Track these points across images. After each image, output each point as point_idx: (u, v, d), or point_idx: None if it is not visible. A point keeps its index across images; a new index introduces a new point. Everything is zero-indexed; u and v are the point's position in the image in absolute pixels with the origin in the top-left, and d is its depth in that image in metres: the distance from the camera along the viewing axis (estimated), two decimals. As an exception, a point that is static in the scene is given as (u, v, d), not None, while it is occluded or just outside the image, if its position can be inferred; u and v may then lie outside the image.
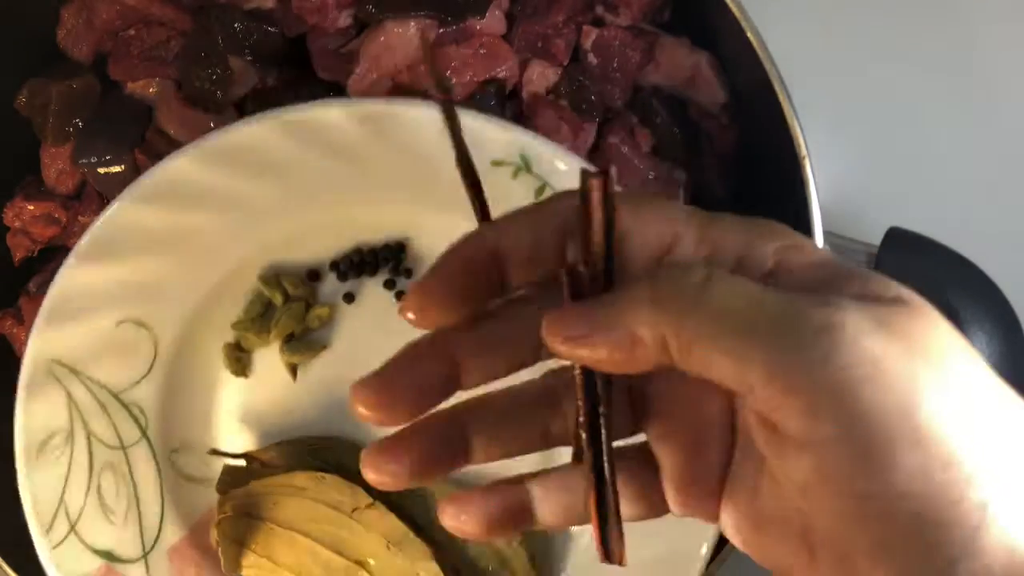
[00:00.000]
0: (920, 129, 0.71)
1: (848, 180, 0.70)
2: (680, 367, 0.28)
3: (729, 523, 0.32)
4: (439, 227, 0.48)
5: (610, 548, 0.30)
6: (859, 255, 0.51)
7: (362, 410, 0.30)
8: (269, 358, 0.52)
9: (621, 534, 0.30)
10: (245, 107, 0.57)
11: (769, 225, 0.32)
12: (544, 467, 0.33)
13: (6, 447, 0.59)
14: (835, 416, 0.26)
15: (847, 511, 0.27)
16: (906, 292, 0.28)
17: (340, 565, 0.49)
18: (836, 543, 0.28)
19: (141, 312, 0.49)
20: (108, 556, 0.50)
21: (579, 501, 0.32)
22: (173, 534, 0.52)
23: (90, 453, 0.49)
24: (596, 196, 0.28)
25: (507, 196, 0.44)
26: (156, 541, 0.51)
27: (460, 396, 0.32)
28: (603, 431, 0.30)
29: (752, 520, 0.31)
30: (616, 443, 0.31)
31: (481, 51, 0.55)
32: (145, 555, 0.51)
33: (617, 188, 0.32)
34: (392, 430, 0.32)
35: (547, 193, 0.44)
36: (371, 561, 0.49)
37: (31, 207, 0.59)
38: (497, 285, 0.31)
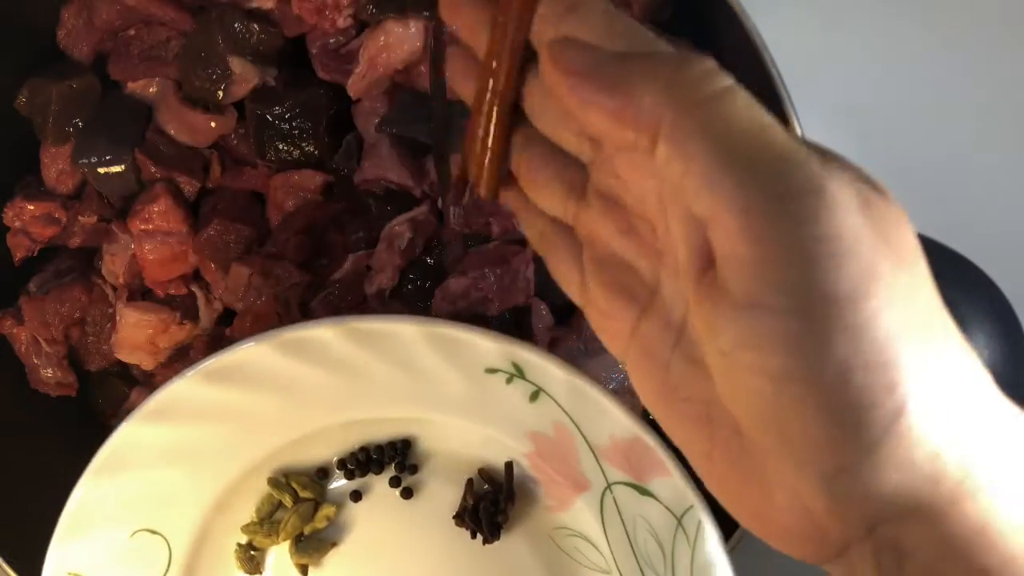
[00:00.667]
0: (920, 129, 0.71)
1: (848, 180, 0.70)
2: (658, 158, 0.28)
3: (635, 377, 0.32)
4: (443, 426, 0.50)
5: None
6: (859, 255, 0.51)
7: None
8: (281, 555, 0.54)
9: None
10: (245, 107, 0.57)
11: None
12: None
13: (7, 450, 0.59)
14: (791, 288, 0.25)
15: (764, 390, 0.26)
16: (889, 193, 0.28)
17: None
18: (744, 425, 0.27)
19: (154, 521, 0.51)
20: None
21: None
22: None
23: None
24: None
25: (501, 401, 0.46)
26: None
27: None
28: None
29: (659, 391, 0.31)
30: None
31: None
32: None
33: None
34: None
35: (541, 398, 0.46)
36: None
37: (31, 207, 0.59)
38: None
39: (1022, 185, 0.70)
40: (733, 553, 0.48)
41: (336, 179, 0.58)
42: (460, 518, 0.52)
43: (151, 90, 0.59)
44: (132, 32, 0.58)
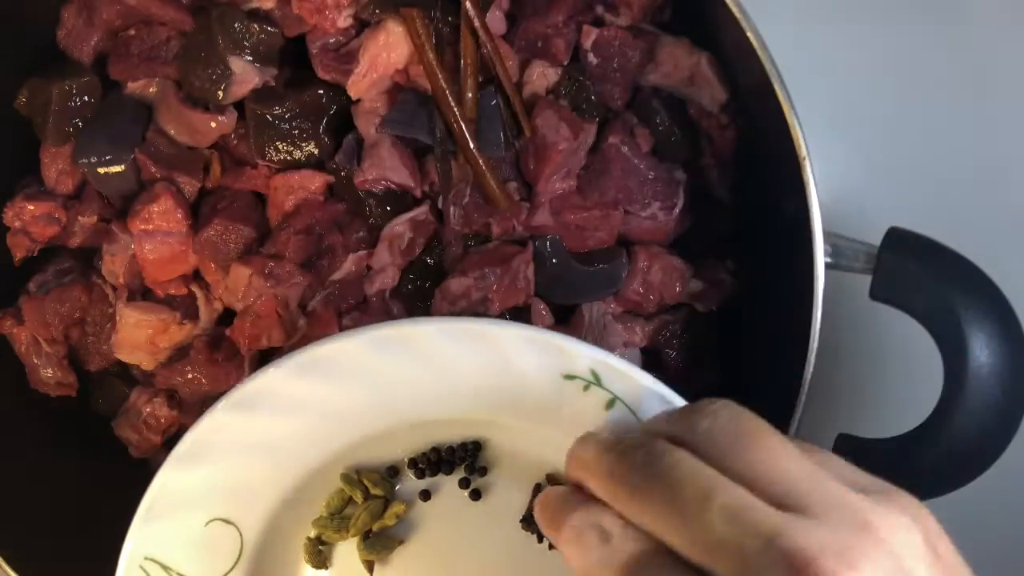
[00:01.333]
0: (920, 129, 0.71)
1: (848, 180, 0.70)
2: None
3: None
4: (515, 429, 0.51)
5: None
6: (859, 255, 0.51)
7: None
8: (349, 551, 0.54)
9: None
10: (245, 107, 0.57)
11: None
12: None
13: (7, 450, 0.59)
14: None
15: None
16: None
17: None
18: None
19: (229, 511, 0.51)
20: None
21: None
22: None
23: None
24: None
25: (578, 407, 0.46)
26: None
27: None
28: None
29: None
30: None
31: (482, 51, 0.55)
32: None
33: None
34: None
35: (617, 406, 0.46)
36: None
37: (31, 207, 0.59)
38: None
39: (1022, 185, 0.71)
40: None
41: (336, 179, 0.58)
42: (527, 522, 0.53)
43: (151, 90, 0.59)
44: (132, 32, 0.58)
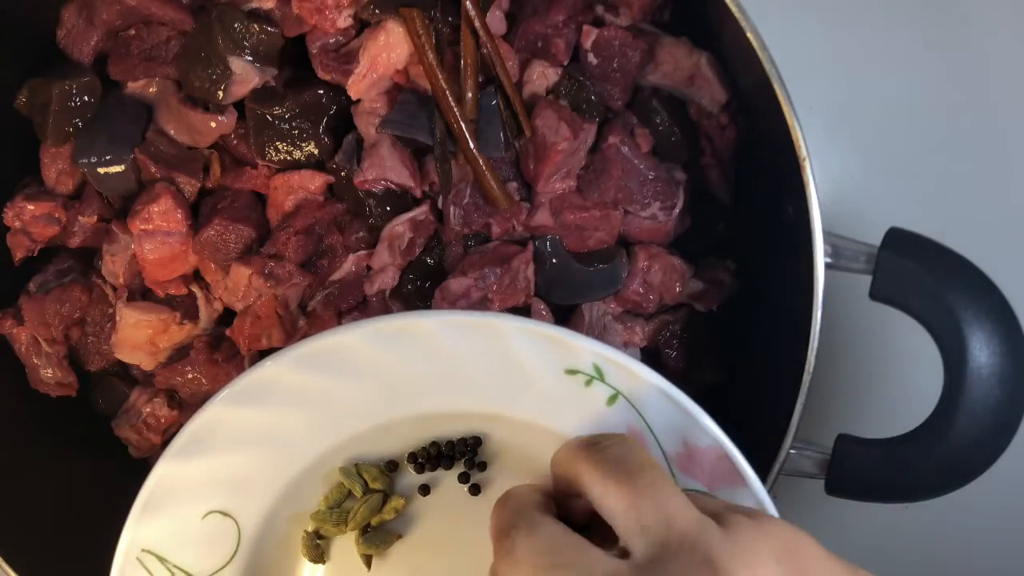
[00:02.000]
0: (920, 129, 0.71)
1: (848, 180, 0.70)
2: None
3: None
4: (515, 424, 0.51)
5: None
6: (859, 255, 0.51)
7: None
8: (347, 545, 0.54)
9: None
10: (245, 107, 0.57)
11: None
12: None
13: (7, 450, 0.59)
14: None
15: None
16: None
17: None
18: None
19: (227, 503, 0.51)
20: None
21: None
22: None
23: None
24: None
25: (580, 403, 0.47)
26: None
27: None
28: None
29: None
30: None
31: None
32: None
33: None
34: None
35: (619, 401, 0.47)
36: None
37: (31, 207, 0.59)
38: None
39: (1022, 185, 0.71)
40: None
41: (336, 179, 0.58)
42: None
43: (151, 90, 0.59)
44: (132, 32, 0.58)
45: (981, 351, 0.49)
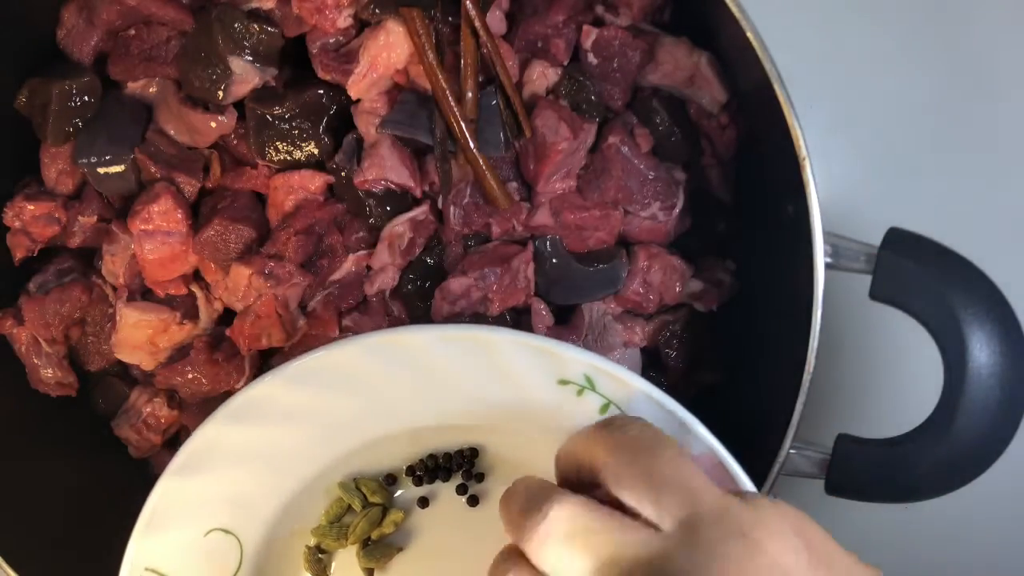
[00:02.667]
0: (920, 129, 0.71)
1: (848, 180, 0.70)
2: None
3: None
4: (511, 435, 0.51)
5: None
6: (859, 255, 0.51)
7: None
8: (348, 559, 0.55)
9: None
10: (245, 107, 0.57)
11: None
12: None
13: (7, 450, 0.59)
14: None
15: None
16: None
17: None
18: None
19: (228, 520, 0.52)
20: None
21: None
22: None
23: None
24: None
25: (572, 413, 0.47)
26: None
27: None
28: None
29: None
30: None
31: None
32: None
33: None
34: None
35: (611, 411, 0.47)
36: None
37: (31, 207, 0.59)
38: None
39: (1022, 185, 0.70)
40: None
41: (336, 179, 0.58)
42: None
43: (151, 90, 0.59)
44: (132, 32, 0.58)
45: (981, 351, 0.49)
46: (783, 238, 0.52)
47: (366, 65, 0.55)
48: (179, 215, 0.57)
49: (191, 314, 0.60)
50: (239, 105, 0.57)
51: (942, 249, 0.51)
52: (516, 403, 0.48)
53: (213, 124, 0.57)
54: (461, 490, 0.53)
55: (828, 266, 0.50)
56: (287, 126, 0.57)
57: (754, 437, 0.48)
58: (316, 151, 0.57)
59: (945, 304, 0.49)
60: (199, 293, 0.60)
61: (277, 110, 0.56)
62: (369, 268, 0.59)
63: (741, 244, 0.61)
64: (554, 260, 0.58)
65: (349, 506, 0.53)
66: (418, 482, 0.53)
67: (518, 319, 0.58)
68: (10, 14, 0.57)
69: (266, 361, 0.61)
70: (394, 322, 0.60)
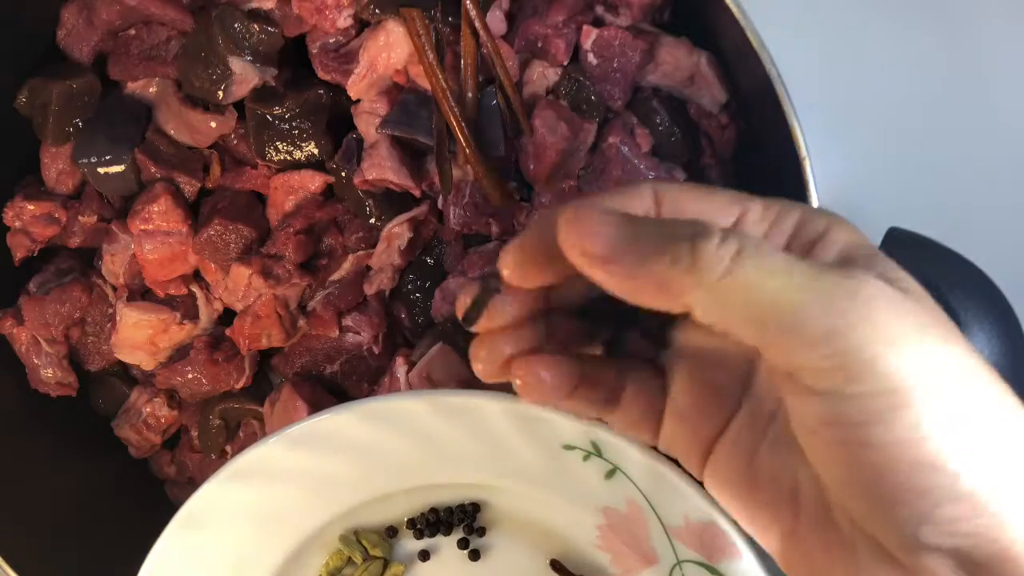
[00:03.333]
0: (920, 129, 0.71)
1: (848, 180, 0.70)
2: (700, 321, 0.31)
3: (716, 480, 0.36)
4: (514, 492, 0.51)
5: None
6: (859, 255, 0.51)
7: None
8: None
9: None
10: (245, 107, 0.57)
11: (820, 208, 0.36)
12: None
13: (7, 450, 0.59)
14: (863, 377, 0.29)
15: (848, 458, 0.30)
16: (915, 285, 0.33)
17: None
18: (829, 492, 0.32)
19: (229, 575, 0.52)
20: None
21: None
22: None
23: None
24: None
25: (575, 475, 0.47)
26: None
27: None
28: None
29: (745, 478, 0.35)
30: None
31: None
32: None
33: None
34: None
35: (617, 476, 0.47)
36: None
37: (31, 207, 0.59)
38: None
39: (1022, 185, 0.70)
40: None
41: (336, 179, 0.58)
42: None
43: (151, 90, 0.59)
44: (132, 32, 0.58)
45: (981, 351, 0.49)
46: (783, 238, 0.52)
47: (366, 65, 0.55)
48: (179, 215, 0.57)
49: (191, 314, 0.60)
50: (239, 105, 0.57)
51: (942, 249, 0.51)
52: (519, 466, 0.48)
53: (213, 124, 0.57)
54: (462, 544, 0.53)
55: (828, 266, 0.50)
56: (287, 126, 0.57)
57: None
58: (316, 151, 0.57)
59: (945, 304, 0.49)
60: (199, 293, 0.60)
61: (277, 110, 0.56)
62: (369, 268, 0.59)
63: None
64: (554, 260, 0.58)
65: (350, 558, 0.53)
66: (419, 535, 0.53)
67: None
68: (10, 14, 0.57)
69: (266, 361, 0.61)
70: (395, 322, 0.60)
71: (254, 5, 0.56)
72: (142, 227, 0.57)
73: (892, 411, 0.29)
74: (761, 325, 0.30)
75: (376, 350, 0.59)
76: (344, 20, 0.56)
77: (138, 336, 0.59)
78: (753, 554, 0.46)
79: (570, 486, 0.48)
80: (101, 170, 0.58)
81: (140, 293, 0.60)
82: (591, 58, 0.57)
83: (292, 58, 0.58)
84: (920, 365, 0.29)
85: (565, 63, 0.57)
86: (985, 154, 0.71)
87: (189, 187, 0.58)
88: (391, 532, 0.53)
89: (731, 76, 0.57)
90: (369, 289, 0.58)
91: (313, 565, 0.53)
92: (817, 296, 0.29)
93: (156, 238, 0.58)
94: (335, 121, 0.58)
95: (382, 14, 0.55)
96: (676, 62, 0.57)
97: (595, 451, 0.47)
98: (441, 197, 0.57)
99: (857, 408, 0.29)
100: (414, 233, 0.57)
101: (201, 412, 0.61)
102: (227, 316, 0.60)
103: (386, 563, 0.53)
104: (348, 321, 0.59)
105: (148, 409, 0.62)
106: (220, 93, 0.56)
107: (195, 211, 0.59)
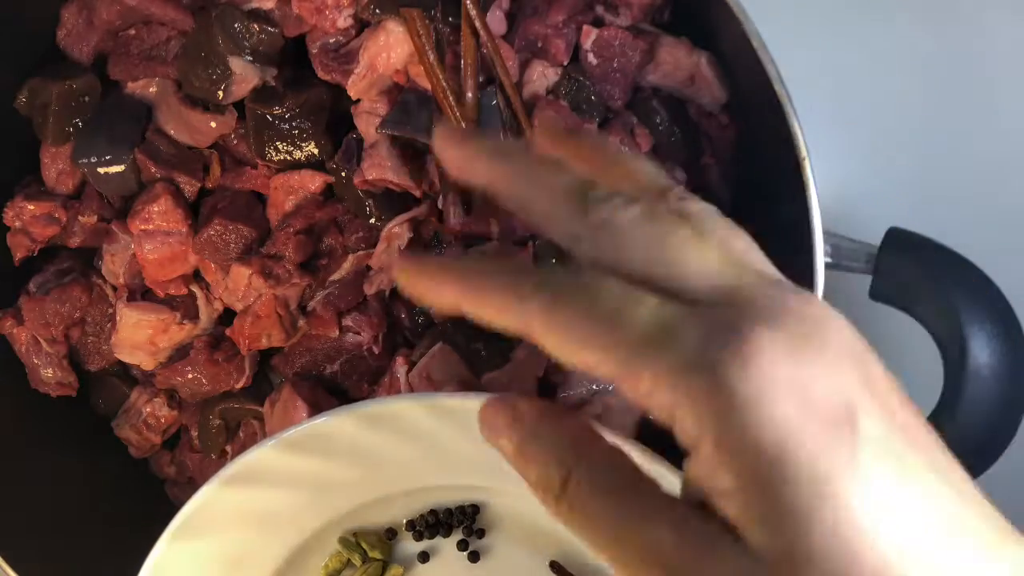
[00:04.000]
0: (920, 129, 0.71)
1: (848, 180, 0.70)
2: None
3: None
4: (512, 493, 0.51)
5: None
6: (859, 255, 0.51)
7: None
8: None
9: None
10: (245, 107, 0.57)
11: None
12: None
13: (7, 450, 0.59)
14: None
15: None
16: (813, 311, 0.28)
17: None
18: None
19: None
20: None
21: None
22: None
23: None
24: None
25: None
26: None
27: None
28: None
29: None
30: None
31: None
32: None
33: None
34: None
35: None
36: None
37: (31, 207, 0.59)
38: None
39: (1022, 185, 0.70)
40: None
41: (336, 179, 0.58)
42: None
43: (151, 90, 0.59)
44: (132, 32, 0.58)
45: (981, 351, 0.49)
46: (783, 238, 0.52)
47: (366, 65, 0.55)
48: (179, 215, 0.57)
49: (191, 314, 0.60)
50: (239, 105, 0.57)
51: (942, 249, 0.51)
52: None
53: (213, 124, 0.57)
54: (462, 546, 0.53)
55: (828, 266, 0.50)
56: (287, 126, 0.57)
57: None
58: (316, 151, 0.57)
59: (945, 304, 0.49)
60: (199, 293, 0.60)
61: (277, 110, 0.56)
62: (369, 268, 0.59)
63: (741, 244, 0.61)
64: (554, 260, 0.58)
65: (349, 560, 0.53)
66: (419, 537, 0.53)
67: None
68: (10, 14, 0.57)
69: (266, 361, 0.61)
70: (395, 322, 0.60)
71: (254, 5, 0.56)
72: (142, 227, 0.57)
73: None
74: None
75: (376, 350, 0.59)
76: (344, 20, 0.56)
77: (138, 336, 0.59)
78: None
79: None
80: (101, 170, 0.58)
81: (140, 293, 0.60)
82: (591, 58, 0.57)
83: (292, 58, 0.58)
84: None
85: (565, 63, 0.57)
86: (985, 154, 0.71)
87: (189, 187, 0.58)
88: (390, 534, 0.53)
89: (731, 76, 0.57)
90: (369, 289, 0.58)
91: (312, 567, 0.53)
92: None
93: (156, 238, 0.58)
94: (335, 121, 0.58)
95: (382, 14, 0.55)
96: (676, 62, 0.57)
97: None
98: (441, 197, 0.57)
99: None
100: (414, 233, 0.57)
101: (201, 412, 0.61)
102: (227, 316, 0.60)
103: (385, 565, 0.53)
104: (348, 321, 0.59)
105: (148, 409, 0.62)
106: (220, 93, 0.56)
107: (195, 211, 0.59)
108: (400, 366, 0.57)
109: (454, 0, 0.55)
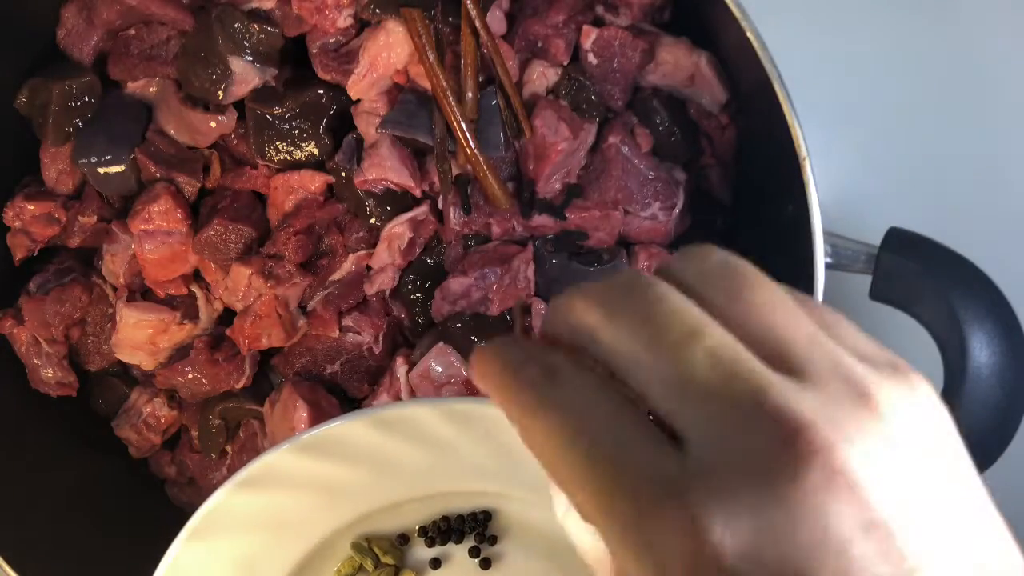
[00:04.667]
0: (920, 129, 0.71)
1: (848, 180, 0.70)
2: None
3: None
4: (524, 500, 0.51)
5: None
6: (859, 255, 0.51)
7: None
8: None
9: None
10: (245, 107, 0.57)
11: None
12: None
13: (7, 450, 0.59)
14: None
15: None
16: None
17: None
18: None
19: None
20: None
21: None
22: None
23: None
24: None
25: None
26: None
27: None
28: None
29: None
30: None
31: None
32: None
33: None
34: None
35: None
36: None
37: (31, 207, 0.59)
38: None
39: (1022, 185, 0.70)
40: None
41: (336, 179, 0.58)
42: None
43: (151, 90, 0.59)
44: (132, 32, 0.58)
45: (981, 351, 0.49)
46: (783, 238, 0.52)
47: (366, 65, 0.55)
48: (179, 215, 0.57)
49: (191, 314, 0.60)
50: (239, 105, 0.57)
51: (942, 249, 0.51)
52: (531, 474, 0.48)
53: (213, 124, 0.57)
54: (474, 552, 0.53)
55: (828, 266, 0.50)
56: (287, 126, 0.57)
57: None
58: (316, 151, 0.57)
59: (945, 304, 0.49)
60: (199, 293, 0.60)
61: (277, 110, 0.56)
62: (369, 268, 0.59)
63: (741, 244, 0.61)
64: (554, 260, 0.58)
65: (361, 565, 0.53)
66: (431, 543, 0.53)
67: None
68: (10, 14, 0.57)
69: (266, 361, 0.61)
70: (395, 322, 0.60)
71: (254, 5, 0.56)
72: (142, 227, 0.57)
73: None
74: None
75: (376, 350, 0.59)
76: (344, 20, 0.56)
77: (138, 336, 0.59)
78: None
79: None
80: (101, 170, 0.58)
81: (140, 293, 0.60)
82: (591, 58, 0.57)
83: (292, 58, 0.58)
84: None
85: (565, 63, 0.57)
86: (985, 154, 0.71)
87: (189, 187, 0.58)
88: (403, 539, 0.53)
89: (731, 76, 0.57)
90: (369, 289, 0.58)
91: (325, 572, 0.53)
92: None
93: (156, 238, 0.58)
94: (335, 121, 0.58)
95: (382, 14, 0.55)
96: (676, 62, 0.57)
97: None
98: (441, 197, 0.57)
99: None
100: (414, 233, 0.57)
101: (201, 412, 0.61)
102: (227, 316, 0.60)
103: (397, 570, 0.54)
104: (348, 321, 0.59)
105: (148, 409, 0.62)
106: (220, 93, 0.56)
107: (195, 211, 0.59)
108: (400, 366, 0.57)
109: (454, 0, 0.55)
